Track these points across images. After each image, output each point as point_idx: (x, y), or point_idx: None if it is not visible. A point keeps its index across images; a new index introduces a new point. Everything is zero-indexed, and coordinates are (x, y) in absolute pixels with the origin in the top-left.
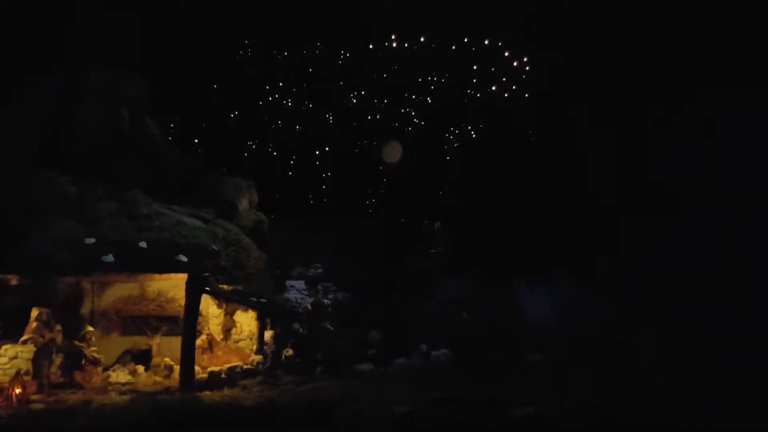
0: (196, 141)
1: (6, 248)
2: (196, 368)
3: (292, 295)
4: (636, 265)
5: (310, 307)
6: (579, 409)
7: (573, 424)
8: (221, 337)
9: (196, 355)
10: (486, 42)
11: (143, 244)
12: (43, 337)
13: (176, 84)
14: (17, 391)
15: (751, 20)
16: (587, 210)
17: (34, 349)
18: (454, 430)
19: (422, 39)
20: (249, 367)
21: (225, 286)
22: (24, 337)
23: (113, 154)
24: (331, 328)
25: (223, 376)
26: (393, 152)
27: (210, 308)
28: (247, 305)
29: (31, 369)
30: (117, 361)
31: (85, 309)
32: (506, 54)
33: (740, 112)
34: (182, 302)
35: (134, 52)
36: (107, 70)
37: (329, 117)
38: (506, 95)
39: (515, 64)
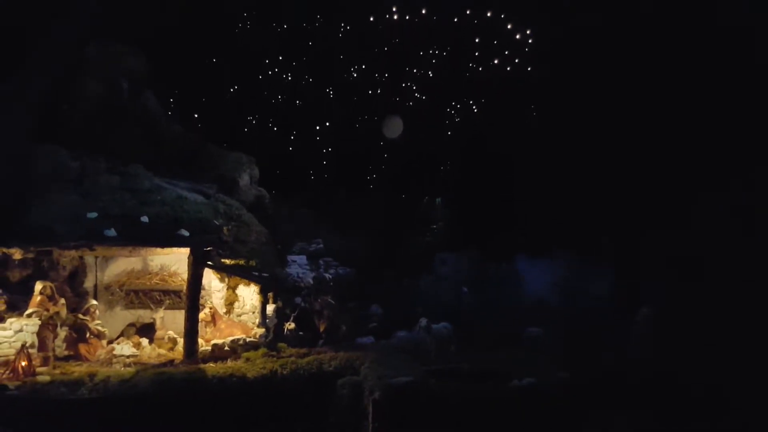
0: (196, 116)
1: (8, 222)
2: (200, 341)
3: (293, 269)
4: (637, 242)
5: (311, 282)
6: (576, 381)
7: (570, 395)
8: (224, 310)
9: (200, 329)
10: (488, 14)
11: (145, 219)
12: (47, 310)
13: (176, 57)
14: (23, 363)
15: None
16: (589, 186)
17: (39, 322)
18: (454, 401)
19: (423, 11)
20: (252, 339)
21: (227, 261)
22: (29, 311)
23: (113, 127)
24: (333, 302)
25: (226, 348)
26: (393, 127)
27: (212, 282)
28: (249, 279)
29: (36, 342)
30: (121, 335)
31: (89, 283)
32: (508, 27)
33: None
34: (185, 276)
35: (133, 25)
36: (106, 43)
37: (329, 91)
38: (508, 69)
39: (518, 37)
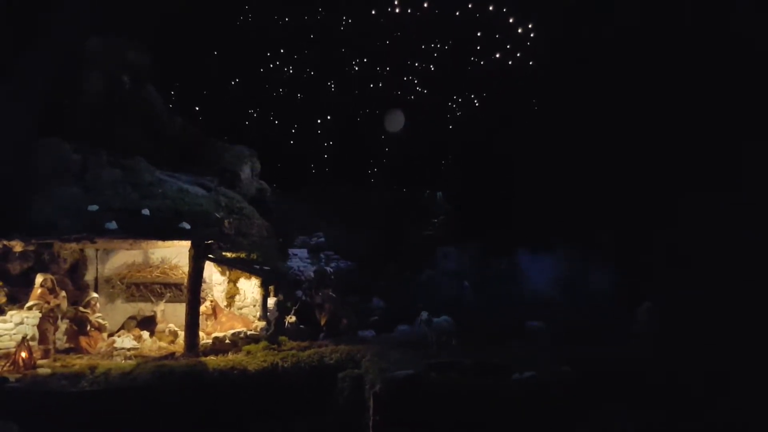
0: (198, 109)
1: (10, 215)
2: (201, 334)
3: (294, 263)
4: (638, 236)
5: (312, 275)
6: (578, 375)
7: (571, 390)
8: (225, 303)
9: (200, 322)
10: (490, 8)
11: (146, 212)
12: (48, 303)
13: (177, 51)
14: (23, 355)
15: None
16: (590, 181)
17: (40, 314)
18: (455, 394)
19: (425, 4)
20: (253, 333)
21: (228, 254)
22: (29, 303)
23: (114, 121)
24: (334, 296)
25: (227, 341)
26: (395, 121)
27: (213, 275)
28: (250, 272)
29: (36, 334)
30: (122, 327)
31: (90, 276)
32: (510, 21)
33: None
34: (186, 269)
35: (134, 19)
36: (107, 36)
37: (331, 85)
38: (510, 63)
39: (519, 31)
